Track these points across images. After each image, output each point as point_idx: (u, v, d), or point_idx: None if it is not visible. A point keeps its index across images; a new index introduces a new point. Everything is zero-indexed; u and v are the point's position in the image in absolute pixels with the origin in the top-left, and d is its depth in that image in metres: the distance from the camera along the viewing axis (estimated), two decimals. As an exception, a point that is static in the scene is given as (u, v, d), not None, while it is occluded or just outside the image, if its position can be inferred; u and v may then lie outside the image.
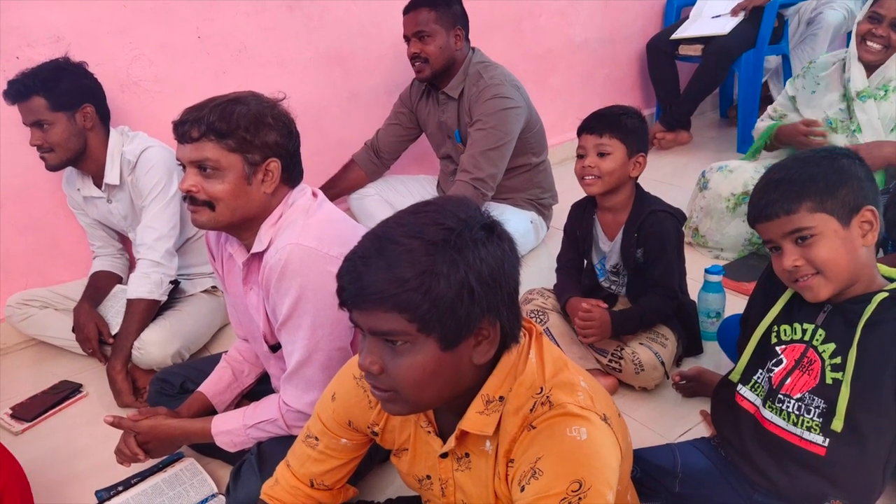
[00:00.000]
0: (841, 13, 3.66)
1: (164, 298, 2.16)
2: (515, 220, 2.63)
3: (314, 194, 1.54)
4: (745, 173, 2.57)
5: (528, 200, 2.75)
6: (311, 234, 1.42)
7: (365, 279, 0.93)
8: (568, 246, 2.15)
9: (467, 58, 2.58)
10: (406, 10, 2.54)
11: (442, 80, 2.59)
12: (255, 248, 1.47)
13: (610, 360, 1.99)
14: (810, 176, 1.26)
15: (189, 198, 1.44)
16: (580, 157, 1.93)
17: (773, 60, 3.84)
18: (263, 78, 2.67)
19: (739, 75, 3.63)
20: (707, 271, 2.18)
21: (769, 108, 2.76)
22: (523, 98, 2.60)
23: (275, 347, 1.59)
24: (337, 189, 2.85)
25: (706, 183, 2.68)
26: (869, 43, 2.41)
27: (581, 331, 1.94)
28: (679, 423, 1.89)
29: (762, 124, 2.72)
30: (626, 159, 1.90)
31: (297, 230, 1.43)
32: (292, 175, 1.50)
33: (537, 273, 2.50)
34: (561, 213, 2.29)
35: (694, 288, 2.20)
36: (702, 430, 1.83)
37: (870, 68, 2.44)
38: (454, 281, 0.91)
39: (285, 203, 1.49)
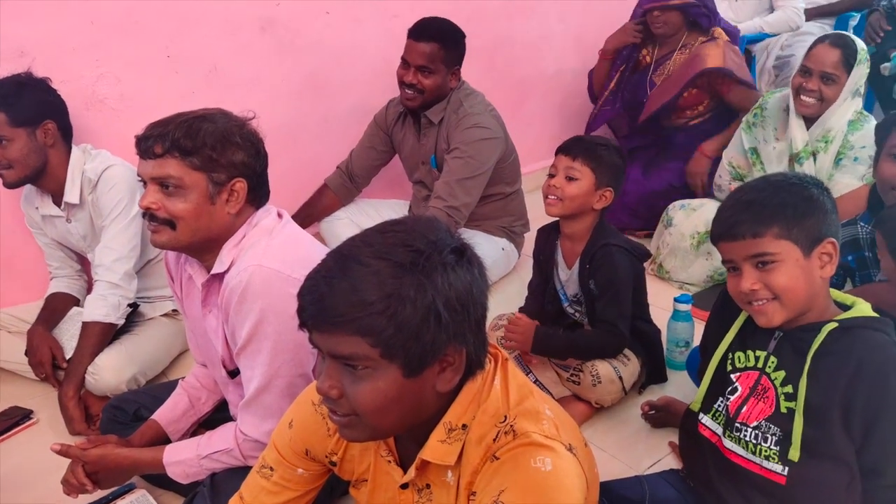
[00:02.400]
0: None
1: (122, 322, 2.09)
2: (487, 247, 2.61)
3: (279, 215, 1.51)
4: (707, 211, 2.58)
5: (499, 227, 2.74)
6: (274, 255, 1.39)
7: (327, 300, 0.90)
8: (536, 270, 2.16)
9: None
10: (416, 37, 2.47)
11: (425, 106, 2.58)
12: (216, 269, 1.43)
13: (571, 376, 1.98)
14: (781, 201, 1.27)
15: (149, 215, 1.40)
16: (550, 175, 1.94)
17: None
18: (234, 98, 2.63)
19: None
20: (676, 300, 2.19)
21: (725, 163, 2.74)
22: (501, 128, 2.60)
23: (233, 373, 1.54)
24: (311, 216, 2.81)
25: (670, 220, 2.69)
26: (803, 97, 2.38)
27: (505, 335, 1.96)
28: (648, 454, 1.87)
29: (725, 182, 2.71)
30: (592, 189, 1.91)
31: (260, 251, 1.39)
32: (258, 196, 1.47)
33: (508, 300, 2.48)
34: (533, 240, 2.28)
35: (663, 317, 2.20)
36: (671, 462, 1.81)
37: (810, 120, 2.42)
38: (421, 306, 0.89)
39: (249, 223, 1.45)
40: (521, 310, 2.18)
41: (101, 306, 2.04)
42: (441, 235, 0.95)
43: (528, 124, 3.65)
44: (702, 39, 2.95)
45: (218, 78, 2.63)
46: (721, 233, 1.32)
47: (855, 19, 3.73)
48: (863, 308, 1.32)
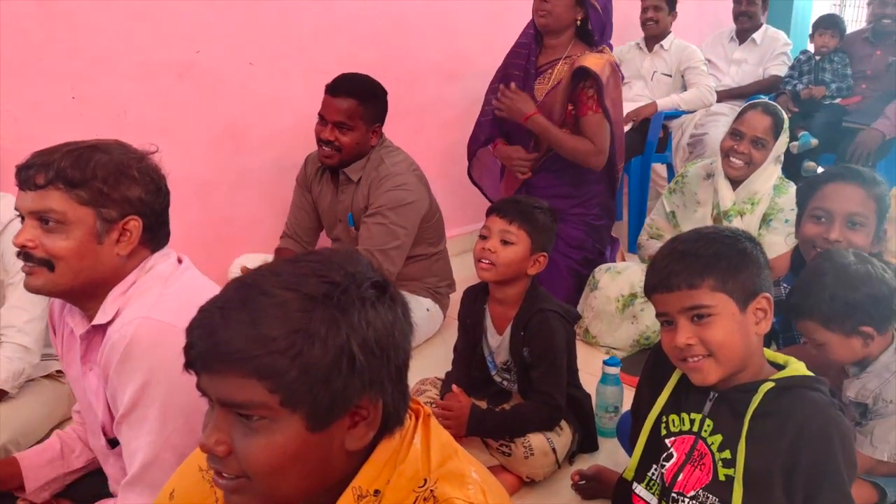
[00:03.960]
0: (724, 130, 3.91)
1: (15, 392, 1.85)
2: (411, 307, 2.49)
3: (179, 260, 1.36)
4: (633, 274, 2.58)
5: (424, 288, 2.66)
6: (168, 306, 1.22)
7: (220, 335, 0.77)
8: (461, 333, 2.05)
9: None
10: (333, 92, 2.41)
11: (343, 164, 2.50)
12: (98, 320, 1.25)
13: (500, 445, 1.85)
14: (715, 252, 1.24)
15: (24, 254, 1.23)
16: (483, 237, 1.86)
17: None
18: (143, 145, 2.49)
19: (630, 178, 3.78)
20: (605, 363, 2.13)
21: (647, 223, 2.79)
22: (424, 188, 2.55)
23: (114, 442, 1.33)
24: None
25: (596, 283, 2.67)
26: (732, 159, 2.44)
27: (439, 420, 1.81)
28: (579, 528, 1.75)
29: (644, 240, 2.76)
30: (527, 254, 1.83)
31: (150, 301, 1.23)
32: (156, 237, 1.32)
33: (432, 363, 2.36)
34: (458, 302, 2.19)
35: (591, 382, 2.12)
36: (603, 536, 1.70)
37: (736, 182, 2.49)
38: (332, 345, 0.77)
39: (142, 268, 1.29)
40: (447, 375, 2.06)
41: (4, 370, 1.80)
42: (361, 268, 0.84)
43: (457, 187, 3.61)
44: (588, 52, 2.60)
45: (127, 123, 2.48)
46: (655, 284, 1.28)
47: (763, 101, 3.95)
48: (797, 367, 1.29)
